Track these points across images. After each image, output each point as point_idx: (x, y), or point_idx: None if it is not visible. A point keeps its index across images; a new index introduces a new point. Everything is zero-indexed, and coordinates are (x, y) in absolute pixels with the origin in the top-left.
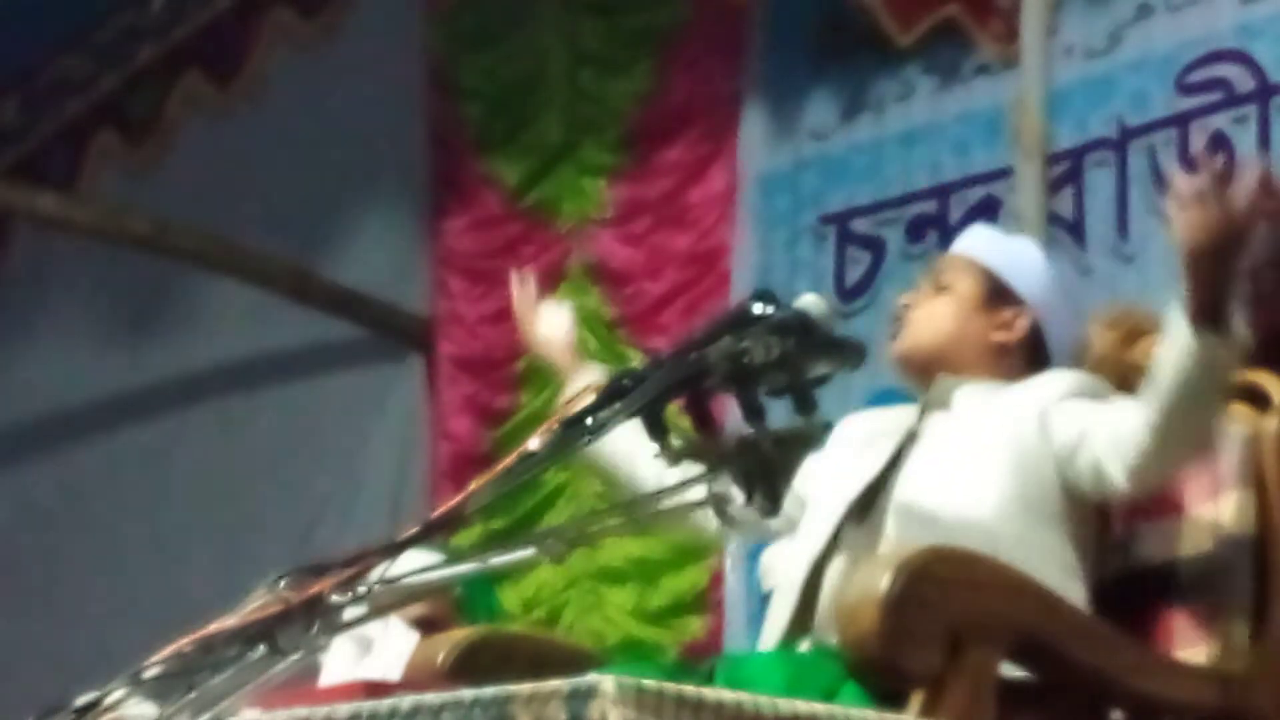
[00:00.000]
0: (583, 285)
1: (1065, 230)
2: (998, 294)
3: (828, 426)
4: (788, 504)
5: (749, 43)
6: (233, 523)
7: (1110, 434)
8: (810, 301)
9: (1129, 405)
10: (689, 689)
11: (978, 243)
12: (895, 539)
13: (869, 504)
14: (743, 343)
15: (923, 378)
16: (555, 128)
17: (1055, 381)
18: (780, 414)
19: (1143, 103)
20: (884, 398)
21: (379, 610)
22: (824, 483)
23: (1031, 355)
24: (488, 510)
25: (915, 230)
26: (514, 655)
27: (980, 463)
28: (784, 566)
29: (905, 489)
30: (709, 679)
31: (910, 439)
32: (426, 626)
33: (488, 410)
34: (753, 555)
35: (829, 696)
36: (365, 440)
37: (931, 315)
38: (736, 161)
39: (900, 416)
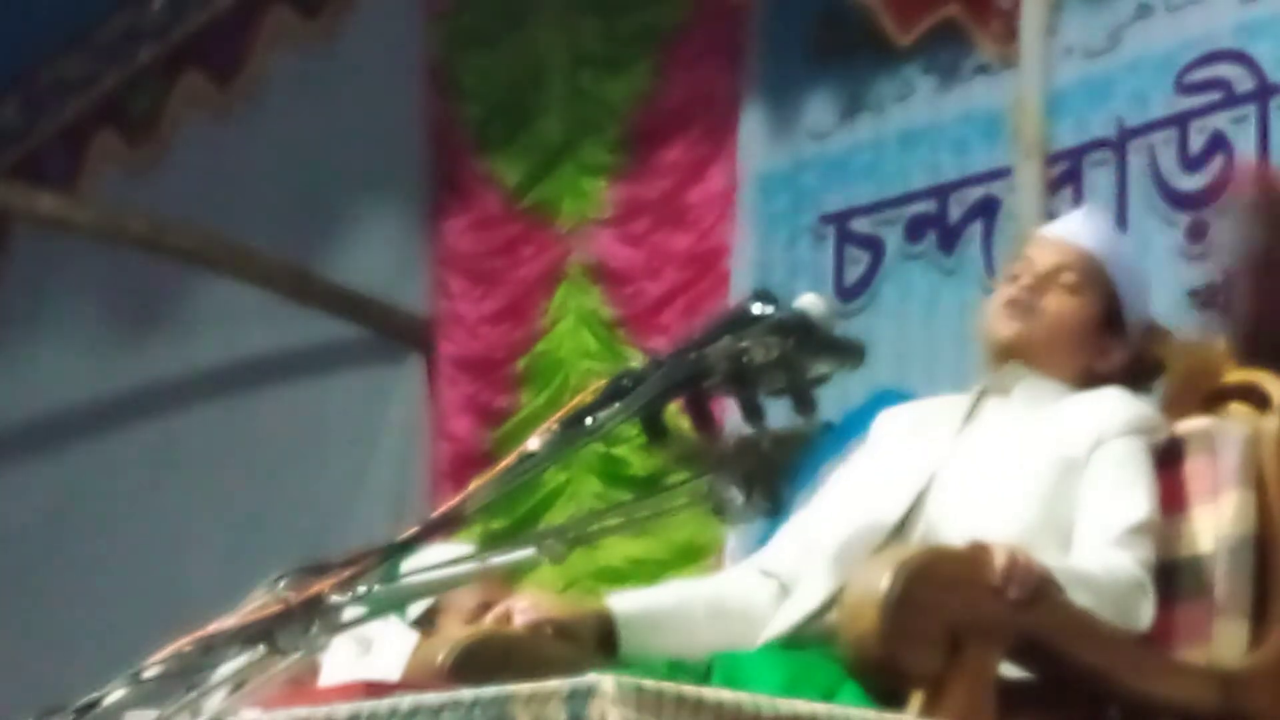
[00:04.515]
0: (583, 285)
1: None
2: (1112, 320)
3: (828, 426)
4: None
5: (748, 43)
6: (233, 522)
7: (1091, 539)
8: (810, 301)
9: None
10: (689, 689)
11: (1110, 249)
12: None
13: (915, 504)
14: (743, 343)
15: (1000, 363)
16: (555, 128)
17: (1116, 410)
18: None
19: (1142, 103)
20: (884, 398)
21: (429, 592)
22: (873, 480)
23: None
24: (488, 510)
25: (914, 230)
26: (514, 655)
27: (1019, 479)
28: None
29: (943, 498)
30: (706, 676)
31: (966, 421)
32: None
33: (488, 410)
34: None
35: (828, 696)
36: (365, 440)
37: (1060, 318)
38: (736, 161)
39: (950, 403)
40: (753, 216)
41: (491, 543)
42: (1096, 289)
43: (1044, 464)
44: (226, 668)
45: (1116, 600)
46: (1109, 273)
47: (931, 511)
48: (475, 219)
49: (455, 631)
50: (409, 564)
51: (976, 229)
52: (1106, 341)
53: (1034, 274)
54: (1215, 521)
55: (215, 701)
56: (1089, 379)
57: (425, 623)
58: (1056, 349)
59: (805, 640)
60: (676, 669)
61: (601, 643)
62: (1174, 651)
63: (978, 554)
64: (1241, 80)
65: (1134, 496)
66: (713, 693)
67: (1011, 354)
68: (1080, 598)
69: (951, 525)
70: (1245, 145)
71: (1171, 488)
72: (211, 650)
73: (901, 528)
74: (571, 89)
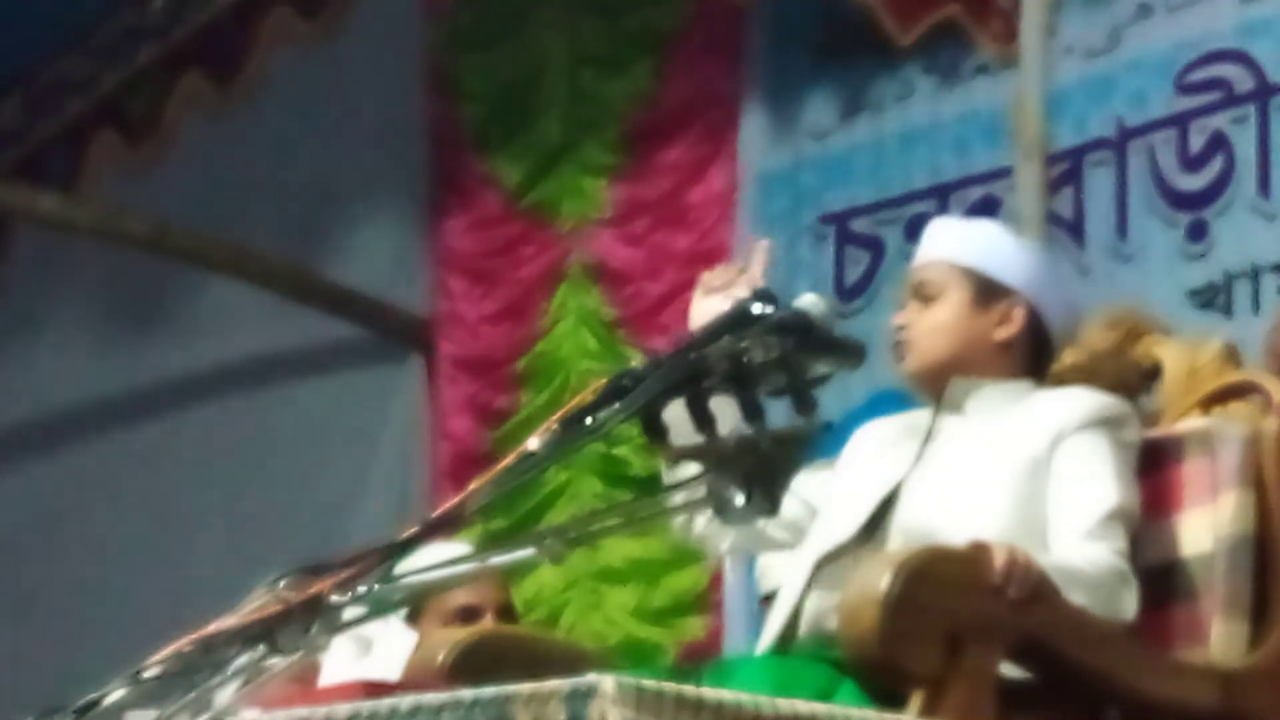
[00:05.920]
0: (583, 285)
1: (1064, 230)
2: (987, 291)
3: (828, 426)
4: (800, 514)
5: (749, 43)
6: (233, 522)
7: (1065, 535)
8: (810, 301)
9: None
10: (689, 689)
11: (948, 243)
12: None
13: (880, 517)
14: (743, 343)
15: (936, 387)
16: (555, 128)
17: (1075, 405)
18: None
19: (1142, 103)
20: (884, 398)
21: (429, 592)
22: (838, 495)
23: (1035, 340)
24: (488, 510)
25: (915, 230)
26: (514, 655)
27: (988, 483)
28: (790, 574)
29: (912, 506)
30: (698, 679)
31: (926, 442)
32: (469, 615)
33: (488, 410)
34: (753, 556)
35: (820, 698)
36: (365, 441)
37: (932, 329)
38: (736, 161)
39: (914, 421)
40: (753, 216)
41: (491, 543)
42: (954, 280)
43: (1011, 467)
44: (227, 668)
45: (1102, 592)
46: (959, 261)
47: (904, 522)
48: (475, 219)
49: (441, 634)
50: (408, 564)
51: None
52: (991, 309)
53: (901, 311)
54: (1214, 521)
55: (217, 701)
56: (1009, 350)
57: (409, 622)
58: (954, 349)
59: (794, 648)
60: (672, 674)
61: None
62: (1173, 651)
63: (977, 554)
64: (1241, 80)
65: (1102, 487)
66: (713, 693)
67: (928, 381)
68: (1073, 596)
69: (925, 535)
70: (1245, 145)
71: (1170, 488)
72: (211, 650)
73: (867, 540)
74: (571, 89)
